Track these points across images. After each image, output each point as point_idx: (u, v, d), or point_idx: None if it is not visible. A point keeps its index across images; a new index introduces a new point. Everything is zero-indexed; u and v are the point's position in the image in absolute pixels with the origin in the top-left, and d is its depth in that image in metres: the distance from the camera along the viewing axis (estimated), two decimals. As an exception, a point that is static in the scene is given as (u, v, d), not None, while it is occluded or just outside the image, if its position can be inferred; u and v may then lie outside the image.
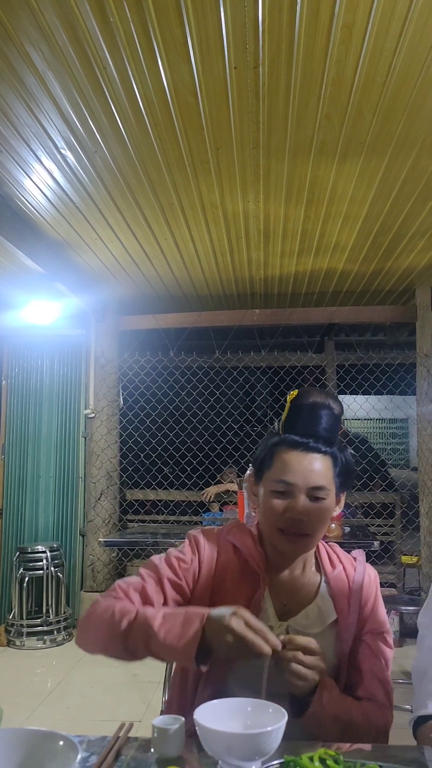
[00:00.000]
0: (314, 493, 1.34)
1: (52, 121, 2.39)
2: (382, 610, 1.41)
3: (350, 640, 1.35)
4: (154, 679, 3.79)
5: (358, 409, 5.31)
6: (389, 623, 1.42)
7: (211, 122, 2.39)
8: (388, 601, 3.89)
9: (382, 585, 4.45)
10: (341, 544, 4.22)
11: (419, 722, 1.16)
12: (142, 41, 1.93)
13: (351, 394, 5.49)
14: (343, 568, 1.45)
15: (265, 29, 1.89)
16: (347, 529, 3.68)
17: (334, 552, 1.49)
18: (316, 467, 1.35)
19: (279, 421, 1.43)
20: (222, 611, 1.13)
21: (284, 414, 1.41)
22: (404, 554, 4.93)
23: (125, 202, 3.11)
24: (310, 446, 1.36)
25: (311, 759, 0.88)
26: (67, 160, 2.69)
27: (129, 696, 3.65)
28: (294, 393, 1.41)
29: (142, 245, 3.75)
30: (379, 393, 5.48)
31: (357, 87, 2.17)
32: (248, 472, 1.50)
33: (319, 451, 1.36)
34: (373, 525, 4.98)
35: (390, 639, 1.37)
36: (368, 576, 1.44)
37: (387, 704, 1.27)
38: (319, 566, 1.46)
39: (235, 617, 1.10)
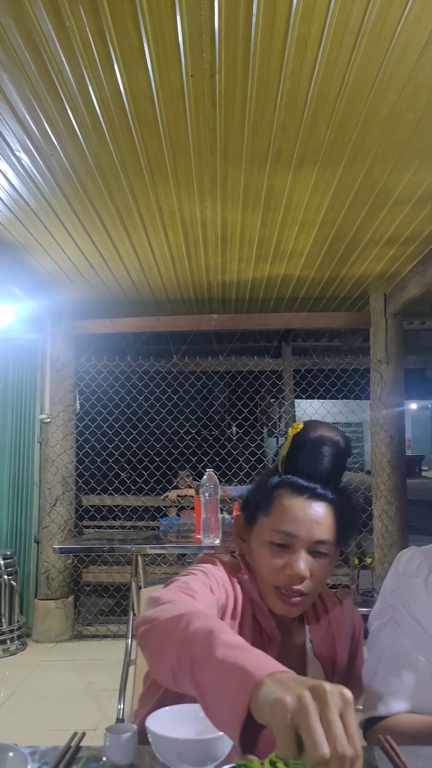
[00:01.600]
0: (317, 547, 1.19)
1: (6, 122, 2.36)
2: (363, 658, 1.28)
3: None
4: (110, 687, 3.76)
5: (314, 413, 5.38)
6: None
7: (168, 129, 2.40)
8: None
9: (335, 587, 4.49)
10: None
11: (369, 724, 1.18)
12: (99, 46, 1.93)
13: (307, 398, 5.56)
14: (328, 619, 1.30)
15: (222, 38, 1.90)
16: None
17: (319, 596, 1.33)
18: (321, 518, 1.19)
19: (279, 456, 1.27)
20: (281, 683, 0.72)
21: (285, 450, 1.24)
22: (359, 556, 5.00)
23: (82, 206, 3.09)
24: (316, 493, 1.20)
25: (262, 763, 0.89)
26: (22, 162, 2.66)
27: (85, 705, 3.60)
28: (298, 426, 1.25)
29: (99, 249, 3.73)
30: (334, 398, 5.56)
31: (312, 98, 2.21)
32: (236, 512, 1.31)
33: (325, 499, 1.21)
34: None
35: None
36: (355, 626, 1.33)
37: None
38: (302, 617, 1.31)
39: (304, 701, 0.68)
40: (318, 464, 1.22)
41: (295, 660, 1.26)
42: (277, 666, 0.76)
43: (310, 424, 1.25)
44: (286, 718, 0.67)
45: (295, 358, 6.11)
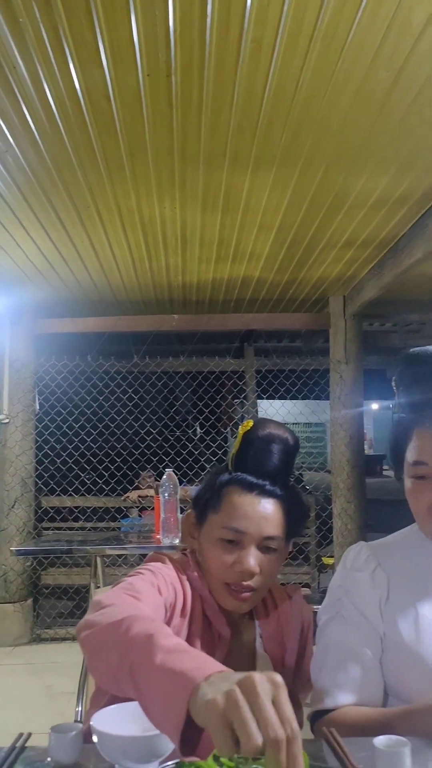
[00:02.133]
0: (267, 543, 1.21)
1: (-40, 118, 2.32)
2: (312, 653, 1.30)
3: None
4: (68, 689, 3.72)
5: (275, 413, 5.42)
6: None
7: (125, 127, 2.40)
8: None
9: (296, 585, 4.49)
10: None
11: (316, 717, 1.20)
12: (53, 43, 1.91)
13: (269, 399, 5.60)
14: (278, 615, 1.32)
15: (177, 39, 1.91)
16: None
17: (269, 593, 1.35)
18: (270, 514, 1.21)
19: (229, 455, 1.28)
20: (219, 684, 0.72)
21: (235, 448, 1.26)
22: (324, 556, 5.07)
23: (39, 203, 3.06)
24: (265, 490, 1.22)
25: (205, 761, 0.90)
26: (-23, 159, 2.63)
27: (44, 708, 3.57)
28: (248, 424, 1.26)
29: (58, 248, 3.70)
30: (295, 398, 5.61)
31: (267, 101, 2.23)
32: (188, 510, 1.33)
33: (274, 496, 1.23)
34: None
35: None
36: (304, 622, 1.34)
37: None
38: (252, 613, 1.32)
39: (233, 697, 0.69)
40: (267, 461, 1.24)
41: (244, 656, 1.28)
42: (216, 667, 0.77)
43: (259, 423, 1.27)
44: (219, 717, 0.68)
45: (257, 358, 6.15)
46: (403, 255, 3.60)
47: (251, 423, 1.26)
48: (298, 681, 1.31)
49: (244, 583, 1.20)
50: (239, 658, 1.26)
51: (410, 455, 1.25)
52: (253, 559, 1.20)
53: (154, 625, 0.88)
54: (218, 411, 5.62)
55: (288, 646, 1.30)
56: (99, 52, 1.96)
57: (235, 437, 1.29)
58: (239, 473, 1.24)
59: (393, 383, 1.32)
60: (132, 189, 2.92)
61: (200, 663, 0.78)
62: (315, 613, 1.40)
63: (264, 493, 1.22)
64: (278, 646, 1.30)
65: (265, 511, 1.21)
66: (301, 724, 1.29)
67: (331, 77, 2.10)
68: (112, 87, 2.14)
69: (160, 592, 1.14)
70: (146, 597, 1.06)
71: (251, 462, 1.24)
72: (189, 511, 1.33)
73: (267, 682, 0.71)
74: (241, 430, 1.26)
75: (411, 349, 1.29)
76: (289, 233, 3.51)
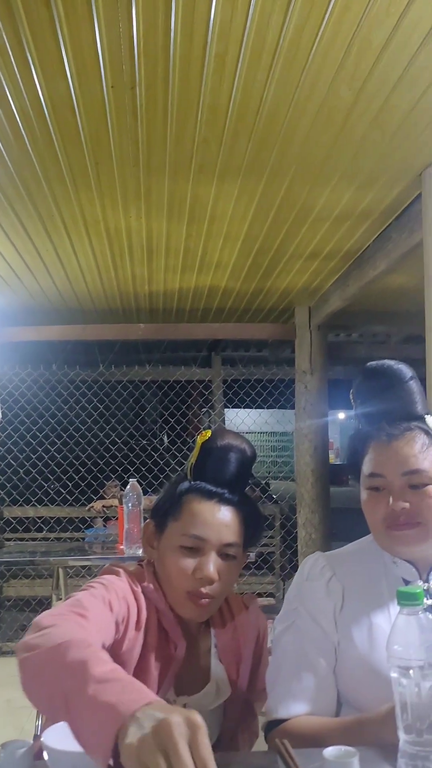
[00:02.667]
0: (226, 550, 1.24)
1: None
2: (267, 662, 1.32)
3: (236, 710, 1.28)
4: (29, 704, 3.66)
5: (241, 423, 5.44)
6: (269, 632, 1.38)
7: (90, 138, 2.39)
8: (267, 610, 4.00)
9: (260, 595, 4.53)
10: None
11: (271, 726, 1.21)
12: (16, 52, 1.90)
13: (234, 408, 5.62)
14: (235, 627, 1.34)
15: (141, 52, 1.92)
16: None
17: (226, 601, 1.36)
18: (229, 521, 1.24)
19: (187, 463, 1.30)
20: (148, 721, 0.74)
21: (193, 457, 1.28)
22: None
23: (2, 211, 3.03)
24: (224, 498, 1.25)
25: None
26: None
27: (3, 722, 3.50)
28: (206, 434, 1.29)
29: (22, 256, 3.67)
30: (260, 407, 5.64)
31: (232, 114, 2.25)
32: (147, 520, 1.35)
33: (233, 503, 1.26)
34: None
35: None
36: (260, 631, 1.37)
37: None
38: (208, 622, 1.34)
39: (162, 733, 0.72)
40: (225, 470, 1.27)
41: (199, 665, 1.29)
42: (145, 697, 0.78)
43: (217, 432, 1.30)
44: (135, 762, 0.70)
45: (223, 367, 6.17)
46: (368, 267, 3.66)
47: (209, 433, 1.29)
48: (253, 690, 1.33)
49: (203, 590, 1.21)
50: (194, 667, 1.27)
51: (366, 467, 1.27)
52: (212, 565, 1.22)
53: (89, 651, 0.88)
54: (184, 420, 5.62)
55: (244, 654, 1.32)
56: (63, 64, 1.96)
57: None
58: (198, 482, 1.26)
59: (351, 396, 1.35)
60: (97, 198, 2.92)
61: (130, 694, 0.79)
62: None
63: (223, 500, 1.25)
64: (233, 656, 1.32)
65: (224, 519, 1.24)
66: (256, 734, 1.30)
67: (294, 93, 2.14)
68: (76, 98, 2.14)
69: (111, 608, 1.13)
70: (93, 615, 1.06)
71: (210, 471, 1.26)
72: (148, 520, 1.34)
73: (184, 724, 0.72)
74: (199, 439, 1.29)
75: (368, 363, 1.32)
76: (255, 243, 3.54)
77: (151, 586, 1.26)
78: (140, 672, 1.16)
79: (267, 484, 6.20)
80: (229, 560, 1.25)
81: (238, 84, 2.09)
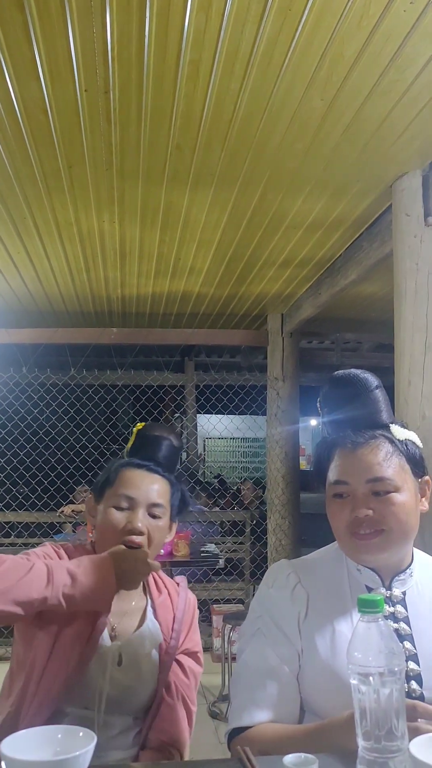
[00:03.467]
0: (153, 510, 1.44)
1: None
2: (197, 632, 1.54)
3: (171, 662, 1.44)
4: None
5: (212, 429, 5.45)
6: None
7: (63, 141, 2.39)
8: (236, 617, 4.00)
9: (230, 601, 4.51)
10: (188, 563, 4.29)
11: (234, 734, 1.21)
12: (-12, 53, 1.89)
13: (206, 413, 5.62)
14: (168, 593, 1.54)
15: (115, 56, 1.92)
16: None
17: (160, 577, 1.57)
18: (157, 487, 1.46)
19: (125, 449, 1.53)
20: (113, 550, 1.33)
21: (130, 443, 1.52)
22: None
23: (-26, 212, 3.00)
24: (151, 468, 1.47)
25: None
26: None
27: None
28: (140, 425, 1.54)
29: (-7, 257, 3.63)
30: (232, 413, 5.66)
31: (205, 121, 2.26)
32: (88, 495, 1.57)
33: (159, 474, 1.48)
34: (224, 542, 5.10)
35: (201, 659, 1.52)
36: (189, 602, 1.55)
37: (186, 721, 1.41)
38: (145, 590, 1.54)
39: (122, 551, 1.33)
40: (155, 451, 1.50)
41: (135, 620, 1.47)
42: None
43: (149, 424, 1.55)
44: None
45: (196, 373, 6.17)
46: (339, 276, 3.70)
47: (143, 424, 1.54)
48: (182, 650, 1.49)
49: (135, 539, 1.40)
50: (130, 621, 1.46)
51: (331, 474, 1.28)
52: (141, 521, 1.41)
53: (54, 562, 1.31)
54: (156, 425, 5.59)
55: (176, 615, 1.50)
56: (36, 65, 1.95)
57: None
58: (131, 458, 1.49)
59: (318, 404, 1.36)
60: (70, 201, 2.91)
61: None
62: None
63: (151, 470, 1.47)
64: (168, 613, 1.50)
65: (152, 483, 1.45)
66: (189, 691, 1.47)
67: (267, 102, 2.16)
68: (49, 100, 2.13)
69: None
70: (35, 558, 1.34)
71: (141, 451, 1.49)
72: (89, 495, 1.55)
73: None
74: (135, 429, 1.53)
75: (335, 372, 1.33)
76: (229, 250, 3.55)
77: (77, 551, 1.47)
78: (71, 616, 1.34)
79: (238, 489, 6.21)
80: (156, 520, 1.44)
81: (212, 92, 2.10)
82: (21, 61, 1.93)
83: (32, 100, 2.13)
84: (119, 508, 1.42)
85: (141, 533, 1.40)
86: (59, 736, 1.00)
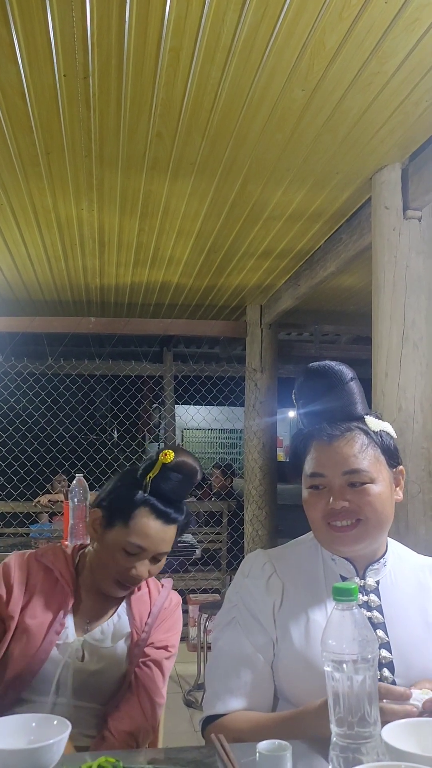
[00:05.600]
0: (158, 556, 1.46)
1: None
2: (176, 631, 1.56)
3: (140, 654, 1.47)
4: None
5: (190, 419, 5.45)
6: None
7: (41, 126, 2.35)
8: (212, 606, 4.02)
9: (206, 591, 4.52)
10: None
11: (208, 721, 1.22)
12: (-35, 35, 1.86)
13: (184, 404, 5.62)
14: (149, 590, 1.56)
15: (94, 42, 1.89)
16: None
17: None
18: (168, 537, 1.45)
19: (143, 472, 1.44)
20: None
21: (154, 471, 1.43)
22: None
23: None
24: (171, 518, 1.44)
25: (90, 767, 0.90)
26: None
27: None
28: (169, 455, 1.42)
29: (-31, 244, 3.58)
30: (210, 404, 5.66)
31: (186, 109, 2.24)
32: (94, 507, 1.51)
33: (176, 522, 1.46)
34: (200, 533, 5.12)
35: (171, 653, 1.52)
36: (170, 600, 1.57)
37: (149, 714, 1.43)
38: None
39: None
40: (178, 492, 1.46)
41: (107, 612, 1.50)
42: None
43: (178, 453, 1.45)
44: None
45: (175, 363, 6.15)
46: (318, 267, 3.71)
47: (172, 454, 1.43)
48: (148, 644, 1.51)
49: (134, 582, 1.45)
50: (98, 612, 1.49)
51: (308, 466, 1.29)
52: (145, 569, 1.44)
53: None
54: (134, 416, 5.59)
55: (152, 610, 1.52)
56: (14, 49, 1.92)
57: (153, 443, 1.44)
58: (152, 498, 1.43)
59: (293, 396, 1.36)
60: (48, 188, 2.87)
61: None
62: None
63: (169, 520, 1.44)
64: (144, 605, 1.52)
65: (165, 535, 1.44)
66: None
67: (248, 92, 2.14)
68: (27, 84, 2.10)
69: None
70: None
71: (165, 490, 1.43)
72: (96, 509, 1.49)
73: None
74: (161, 458, 1.42)
75: (310, 364, 1.34)
76: (208, 240, 3.54)
77: (48, 554, 1.52)
78: (34, 610, 1.42)
79: (204, 478, 6.28)
80: (159, 561, 1.47)
81: (193, 80, 2.08)
82: (-2, 44, 1.90)
83: (10, 85, 2.09)
84: (128, 554, 1.42)
85: (141, 578, 1.44)
86: (33, 724, 0.99)
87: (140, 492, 1.43)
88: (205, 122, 2.33)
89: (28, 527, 5.20)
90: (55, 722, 0.98)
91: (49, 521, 5.33)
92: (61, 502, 5.06)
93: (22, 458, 5.06)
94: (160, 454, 1.43)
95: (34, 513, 5.22)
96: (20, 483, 5.02)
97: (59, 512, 5.19)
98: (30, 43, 1.89)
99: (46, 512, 5.24)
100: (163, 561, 1.49)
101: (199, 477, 1.47)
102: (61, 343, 5.21)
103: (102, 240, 3.54)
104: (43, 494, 5.23)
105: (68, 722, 0.97)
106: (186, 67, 2.02)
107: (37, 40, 1.88)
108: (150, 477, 1.43)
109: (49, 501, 5.16)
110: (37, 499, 5.21)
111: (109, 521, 1.44)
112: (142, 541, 1.40)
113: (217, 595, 4.91)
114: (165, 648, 1.51)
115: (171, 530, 1.45)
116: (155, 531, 1.41)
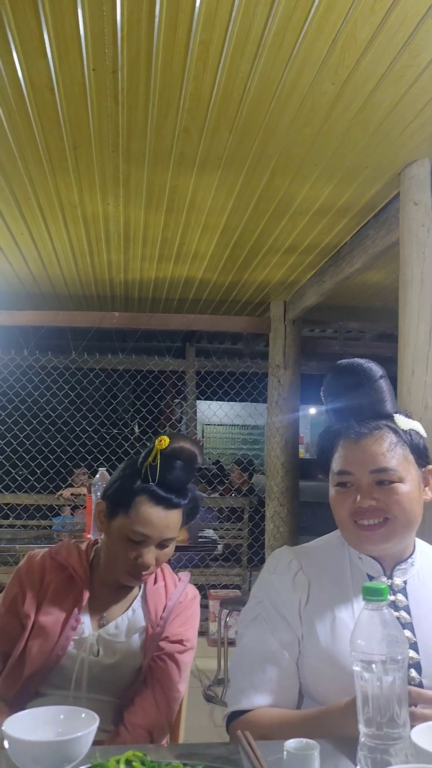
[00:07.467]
0: (164, 543, 1.44)
1: None
2: (192, 625, 1.54)
3: (155, 647, 1.46)
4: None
5: (212, 415, 5.44)
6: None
7: (69, 120, 2.36)
8: (233, 602, 4.02)
9: (227, 587, 4.52)
10: (186, 548, 4.30)
11: (233, 717, 1.21)
12: (-4, 29, 1.86)
13: (206, 400, 5.62)
14: (165, 583, 1.55)
15: (124, 36, 1.89)
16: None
17: (161, 569, 1.56)
18: (172, 522, 1.43)
19: (143, 460, 1.43)
20: None
21: (150, 458, 1.41)
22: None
23: (-22, 192, 2.97)
24: (171, 503, 1.42)
25: (117, 762, 0.90)
26: None
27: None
28: (164, 441, 1.41)
29: (-4, 238, 3.61)
30: (233, 400, 5.65)
31: (214, 103, 2.23)
32: (99, 500, 1.51)
33: (178, 507, 1.44)
34: (222, 529, 5.12)
35: (187, 647, 1.51)
36: (186, 594, 1.56)
37: (163, 708, 1.43)
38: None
39: None
40: (177, 477, 1.43)
41: (123, 606, 1.50)
42: None
43: (174, 440, 1.43)
44: None
45: (197, 359, 6.15)
46: (344, 263, 3.68)
47: (167, 440, 1.42)
48: (165, 636, 1.50)
49: (142, 573, 1.44)
50: (119, 605, 1.50)
51: (335, 464, 1.28)
52: (151, 556, 1.42)
53: None
54: (156, 411, 5.60)
55: (167, 604, 1.51)
56: (44, 43, 1.92)
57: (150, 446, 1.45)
58: (151, 485, 1.41)
59: (321, 393, 1.35)
60: (75, 183, 2.88)
61: None
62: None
63: (171, 505, 1.42)
64: (160, 599, 1.52)
65: (167, 521, 1.42)
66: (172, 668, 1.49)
67: (277, 85, 2.13)
68: (56, 78, 2.10)
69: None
70: None
71: (162, 476, 1.41)
72: (101, 501, 1.50)
73: None
74: (157, 444, 1.41)
75: (339, 361, 1.32)
76: (233, 235, 3.53)
77: (62, 552, 1.52)
78: (50, 608, 1.43)
79: (225, 475, 6.26)
80: (166, 548, 1.45)
81: (222, 73, 2.07)
82: (29, 38, 1.91)
83: (39, 78, 2.10)
84: (132, 542, 1.41)
85: (149, 566, 1.42)
86: (61, 716, 1.00)
87: (139, 480, 1.42)
88: (233, 116, 2.32)
89: (51, 520, 5.24)
90: (83, 715, 0.99)
91: (72, 514, 5.37)
92: (84, 495, 5.10)
93: (46, 451, 5.10)
94: (156, 441, 1.42)
95: (56, 506, 5.27)
96: (43, 476, 5.06)
97: (81, 505, 5.23)
98: (60, 37, 1.90)
99: (68, 505, 5.28)
100: (172, 547, 1.47)
101: (199, 461, 1.46)
102: (84, 337, 5.24)
103: (127, 235, 3.54)
104: (65, 488, 5.27)
105: (96, 715, 0.97)
106: (215, 61, 2.01)
107: (66, 33, 1.88)
108: (147, 464, 1.42)
109: (72, 494, 5.20)
110: (59, 492, 5.26)
111: (112, 511, 1.44)
112: (144, 529, 1.39)
113: (238, 591, 4.91)
114: (180, 642, 1.50)
115: (174, 515, 1.43)
116: (157, 518, 1.40)
